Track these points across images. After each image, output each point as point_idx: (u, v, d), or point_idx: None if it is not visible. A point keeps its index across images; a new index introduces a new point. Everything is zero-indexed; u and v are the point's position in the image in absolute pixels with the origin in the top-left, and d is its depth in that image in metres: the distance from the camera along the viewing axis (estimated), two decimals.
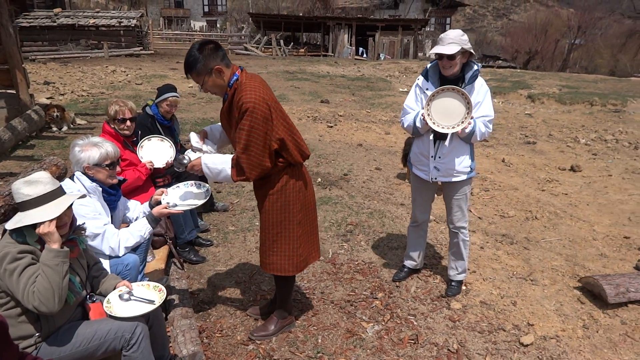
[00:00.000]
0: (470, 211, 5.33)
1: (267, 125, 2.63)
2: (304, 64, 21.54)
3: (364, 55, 31.38)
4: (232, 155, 2.75)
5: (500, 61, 42.10)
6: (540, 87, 15.25)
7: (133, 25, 23.31)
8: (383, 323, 3.36)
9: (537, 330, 3.32)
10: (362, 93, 13.76)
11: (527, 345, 3.16)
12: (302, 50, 31.38)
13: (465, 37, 3.21)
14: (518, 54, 38.08)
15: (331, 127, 9.00)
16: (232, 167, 2.70)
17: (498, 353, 3.08)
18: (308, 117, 9.64)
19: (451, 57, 3.22)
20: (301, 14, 37.72)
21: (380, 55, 30.77)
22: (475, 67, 3.27)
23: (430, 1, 48.54)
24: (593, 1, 34.52)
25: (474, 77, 3.25)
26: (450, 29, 54.03)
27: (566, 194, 6.06)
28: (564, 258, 4.31)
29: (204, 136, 2.94)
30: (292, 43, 32.88)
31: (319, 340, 3.16)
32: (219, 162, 2.72)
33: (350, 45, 31.57)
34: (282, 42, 30.31)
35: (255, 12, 39.66)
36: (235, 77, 2.72)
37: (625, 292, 3.56)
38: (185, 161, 2.78)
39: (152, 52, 23.52)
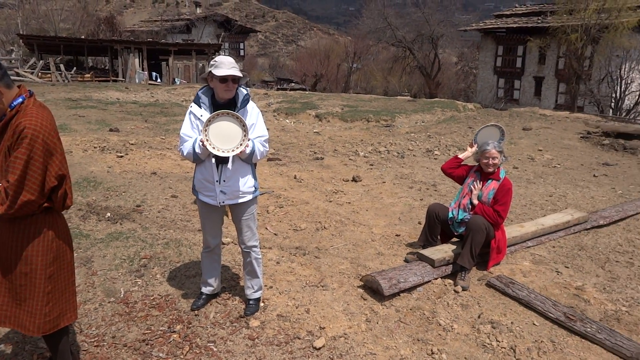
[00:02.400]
0: (267, 229, 5.52)
1: (47, 158, 2.39)
2: (90, 90, 19.88)
3: (158, 80, 30.39)
4: None
5: (293, 84, 45.01)
6: (325, 107, 16.70)
7: None
8: (182, 356, 3.25)
9: (328, 332, 3.59)
10: (155, 119, 13.26)
11: (319, 348, 3.39)
12: (88, 75, 28.97)
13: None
14: (306, 77, 41.13)
15: (121, 156, 8.45)
16: None
17: None
18: (95, 147, 8.90)
19: (235, 81, 3.33)
20: (84, 37, 34.80)
21: (175, 80, 30.17)
22: (245, 92, 3.45)
23: (223, 26, 49.57)
24: (364, 30, 39.32)
25: (245, 101, 3.41)
26: (244, 54, 55.79)
27: (349, 203, 6.71)
28: (349, 261, 4.75)
29: None
30: (74, 67, 30.10)
31: None
32: None
33: (143, 69, 30.27)
34: (62, 66, 27.50)
35: (27, 33, 35.32)
36: (20, 100, 2.43)
37: (397, 283, 4.09)
38: None
39: None
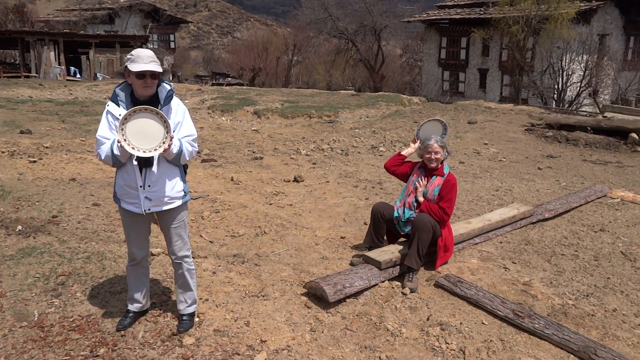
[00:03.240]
0: (202, 236, 5.40)
1: None
2: None
3: (78, 76, 29.14)
4: None
5: (229, 78, 44.47)
6: (264, 103, 16.61)
7: None
8: None
9: (270, 345, 3.54)
10: (74, 119, 12.70)
11: None
12: None
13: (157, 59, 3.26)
14: (244, 71, 40.78)
15: (34, 162, 8.02)
16: None
17: None
18: (2, 152, 8.40)
19: (154, 76, 3.22)
20: None
21: (98, 75, 29.05)
22: (169, 87, 3.34)
23: (150, 17, 48.20)
24: (304, 21, 39.39)
25: (169, 98, 3.31)
26: (175, 46, 54.52)
27: (291, 205, 6.69)
28: (291, 267, 4.72)
29: None
30: None
31: None
32: None
33: (59, 64, 28.92)
34: None
35: None
36: None
37: (342, 288, 4.10)
38: None
39: None
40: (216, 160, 9.14)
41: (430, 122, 4.94)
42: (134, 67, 3.17)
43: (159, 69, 3.21)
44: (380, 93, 22.19)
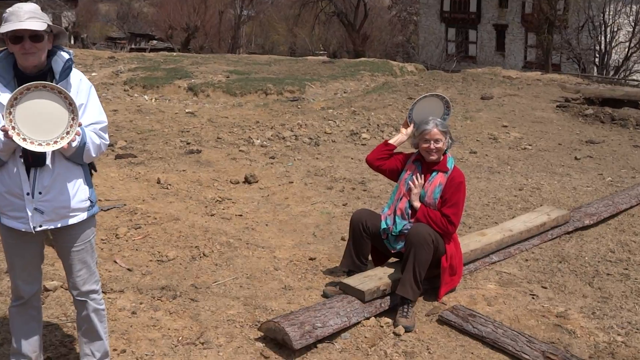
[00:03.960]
0: (116, 262, 5.37)
1: None
2: None
3: None
4: None
5: (154, 42, 44.18)
6: (203, 76, 16.52)
7: None
8: None
9: None
10: None
11: None
12: None
13: (45, 15, 3.20)
14: (174, 31, 40.52)
15: None
16: None
17: None
18: None
19: (36, 38, 3.15)
20: None
21: None
22: (67, 56, 3.29)
23: None
24: None
25: (67, 70, 3.26)
26: None
27: (241, 215, 6.69)
28: (242, 303, 4.72)
29: None
30: None
31: None
32: None
33: None
34: None
35: None
36: None
37: (312, 330, 4.11)
38: None
39: None
40: (136, 155, 9.06)
41: (428, 99, 4.99)
42: (5, 28, 3.11)
43: (41, 27, 3.14)
44: (363, 59, 22.33)
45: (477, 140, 10.84)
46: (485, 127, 11.68)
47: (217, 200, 7.16)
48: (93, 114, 3.35)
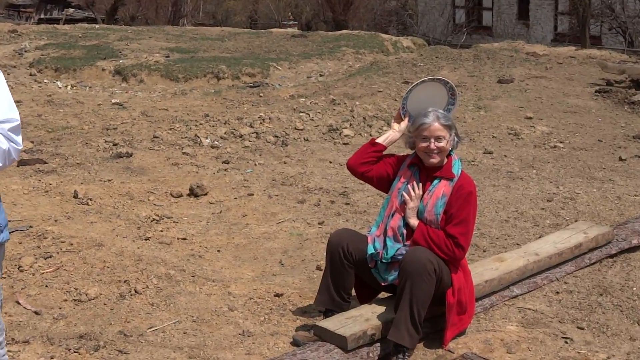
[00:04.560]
0: (19, 303, 5.32)
1: None
2: None
3: None
4: None
5: (71, 10, 43.95)
6: (135, 55, 16.43)
7: None
8: None
9: None
10: None
11: None
12: None
13: None
14: None
15: None
16: None
17: None
18: None
19: None
20: None
21: None
22: None
23: None
24: None
25: None
26: None
27: (185, 239, 6.67)
28: (186, 354, 4.69)
29: None
30: None
31: None
32: None
33: None
34: None
35: None
36: None
37: None
38: None
39: None
40: (46, 161, 8.99)
41: (428, 85, 4.99)
42: None
43: None
44: (345, 32, 22.34)
45: (494, 136, 10.88)
46: (504, 120, 11.73)
47: (154, 220, 7.14)
48: (2, 108, 3.32)
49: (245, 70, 14.94)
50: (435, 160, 4.72)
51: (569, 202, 7.86)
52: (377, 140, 4.96)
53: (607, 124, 11.78)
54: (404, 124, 4.93)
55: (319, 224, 7.12)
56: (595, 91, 13.77)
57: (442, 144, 4.69)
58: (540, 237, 6.56)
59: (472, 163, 9.32)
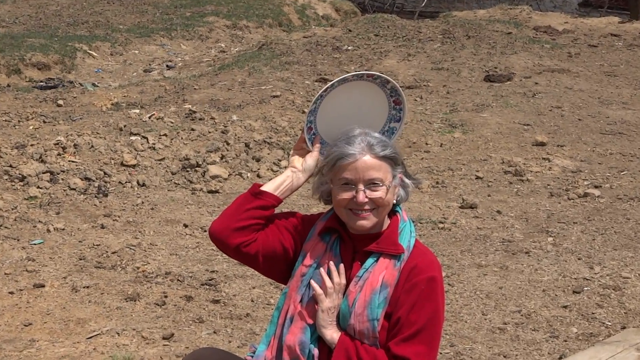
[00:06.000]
0: None
1: None
2: None
3: None
4: None
5: None
6: None
7: None
8: None
9: None
10: None
11: None
12: None
13: None
14: None
15: None
16: None
17: None
18: None
19: None
20: None
21: None
22: None
23: None
24: None
25: None
26: None
27: None
28: None
29: None
30: None
31: None
32: None
33: None
34: None
35: None
36: None
37: None
38: None
39: None
40: None
41: (352, 86, 5.01)
42: None
43: None
44: None
45: (478, 177, 11.02)
46: (496, 147, 11.90)
47: None
48: None
49: (31, 59, 14.88)
50: (367, 223, 4.70)
51: (612, 295, 7.97)
52: (264, 188, 4.92)
53: None
54: (312, 156, 4.94)
55: (164, 338, 7.08)
56: None
57: (378, 193, 4.66)
58: (561, 358, 6.66)
59: (440, 226, 9.33)
